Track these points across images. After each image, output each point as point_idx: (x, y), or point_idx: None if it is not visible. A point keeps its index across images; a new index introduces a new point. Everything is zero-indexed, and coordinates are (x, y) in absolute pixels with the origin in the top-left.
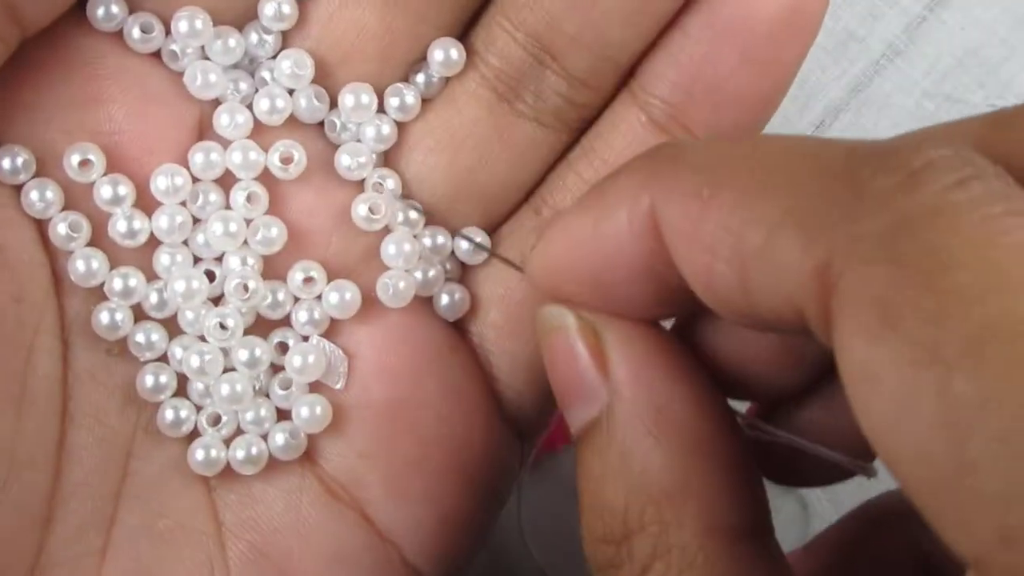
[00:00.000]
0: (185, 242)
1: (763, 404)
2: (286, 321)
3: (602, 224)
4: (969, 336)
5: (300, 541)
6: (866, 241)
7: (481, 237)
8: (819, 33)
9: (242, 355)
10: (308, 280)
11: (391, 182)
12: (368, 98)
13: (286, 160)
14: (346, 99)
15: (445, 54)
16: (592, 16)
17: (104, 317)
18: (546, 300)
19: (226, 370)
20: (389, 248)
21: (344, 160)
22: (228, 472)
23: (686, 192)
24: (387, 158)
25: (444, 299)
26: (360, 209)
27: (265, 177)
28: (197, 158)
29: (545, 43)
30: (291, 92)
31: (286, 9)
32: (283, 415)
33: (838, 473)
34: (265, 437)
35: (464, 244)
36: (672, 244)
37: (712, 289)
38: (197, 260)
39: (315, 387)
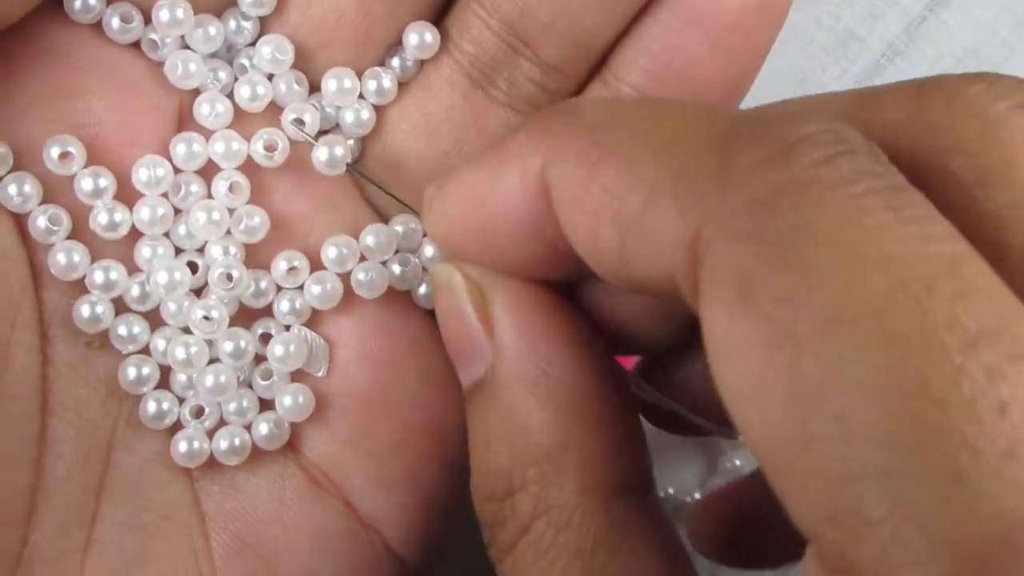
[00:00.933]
0: (166, 234)
1: (647, 359)
2: (268, 310)
3: (496, 182)
4: (819, 316)
5: (284, 530)
6: (734, 214)
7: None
8: (819, 33)
9: (227, 346)
10: (292, 270)
11: (308, 117)
12: (351, 82)
13: (270, 148)
14: (329, 83)
15: (420, 38)
16: (566, 4)
17: (85, 310)
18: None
19: (209, 361)
20: (367, 239)
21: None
22: (211, 463)
23: (576, 155)
24: (363, 141)
25: (422, 288)
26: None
27: (246, 166)
28: (179, 149)
29: (519, 30)
30: (270, 78)
31: None
32: (265, 405)
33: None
34: (248, 427)
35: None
36: (559, 207)
37: (596, 254)
38: (179, 251)
39: (297, 376)
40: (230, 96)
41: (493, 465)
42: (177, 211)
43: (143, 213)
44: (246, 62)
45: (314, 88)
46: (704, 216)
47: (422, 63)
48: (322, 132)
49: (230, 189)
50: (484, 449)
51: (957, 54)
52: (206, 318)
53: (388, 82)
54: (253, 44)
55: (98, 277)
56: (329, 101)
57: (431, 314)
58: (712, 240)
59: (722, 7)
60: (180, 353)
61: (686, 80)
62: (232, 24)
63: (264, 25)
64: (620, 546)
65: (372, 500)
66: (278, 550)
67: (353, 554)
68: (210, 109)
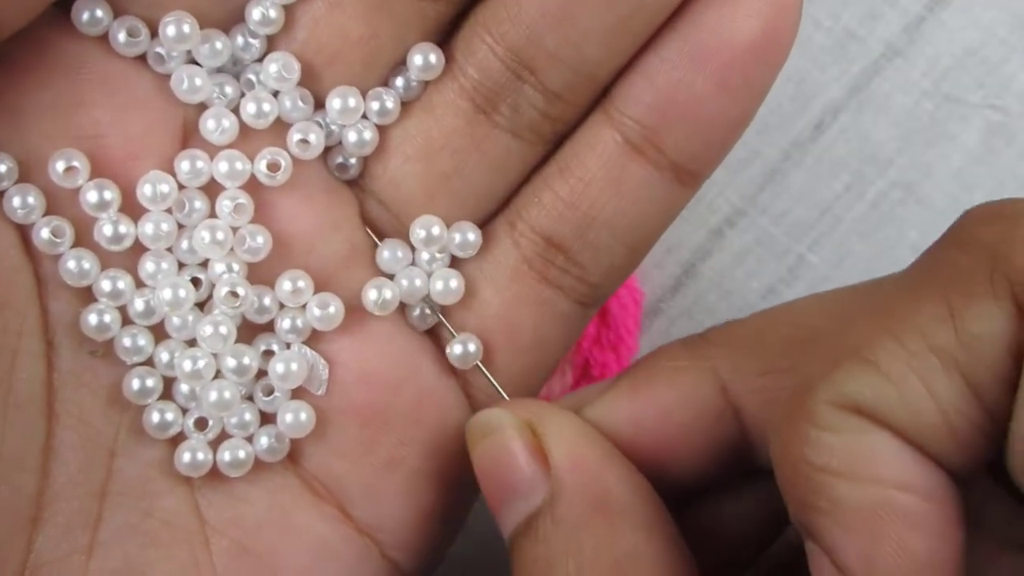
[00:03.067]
0: (169, 248)
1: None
2: (268, 325)
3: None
4: None
5: (283, 537)
6: None
7: (474, 232)
8: (818, 33)
9: (231, 363)
10: (296, 291)
11: (313, 136)
12: (355, 101)
13: (273, 167)
14: (333, 102)
15: (424, 59)
16: (572, 34)
17: (92, 319)
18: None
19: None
20: (383, 254)
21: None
22: (212, 472)
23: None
24: (365, 161)
25: (415, 312)
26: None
27: (249, 183)
28: (183, 165)
29: (525, 58)
30: (275, 94)
31: (273, 13)
32: (267, 418)
33: None
34: (249, 439)
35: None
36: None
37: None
38: (181, 266)
39: (297, 393)
40: (235, 111)
41: None
42: (180, 226)
43: (147, 228)
44: (252, 77)
45: (319, 105)
46: None
47: (425, 84)
48: (327, 149)
49: (234, 209)
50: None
51: (956, 54)
52: (216, 333)
53: (391, 103)
54: (260, 60)
55: (106, 286)
56: (333, 119)
57: (426, 334)
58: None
59: (728, 45)
60: (188, 365)
61: (690, 116)
62: (239, 40)
63: (271, 42)
64: None
65: (369, 511)
66: (277, 557)
67: (350, 561)
68: (216, 124)
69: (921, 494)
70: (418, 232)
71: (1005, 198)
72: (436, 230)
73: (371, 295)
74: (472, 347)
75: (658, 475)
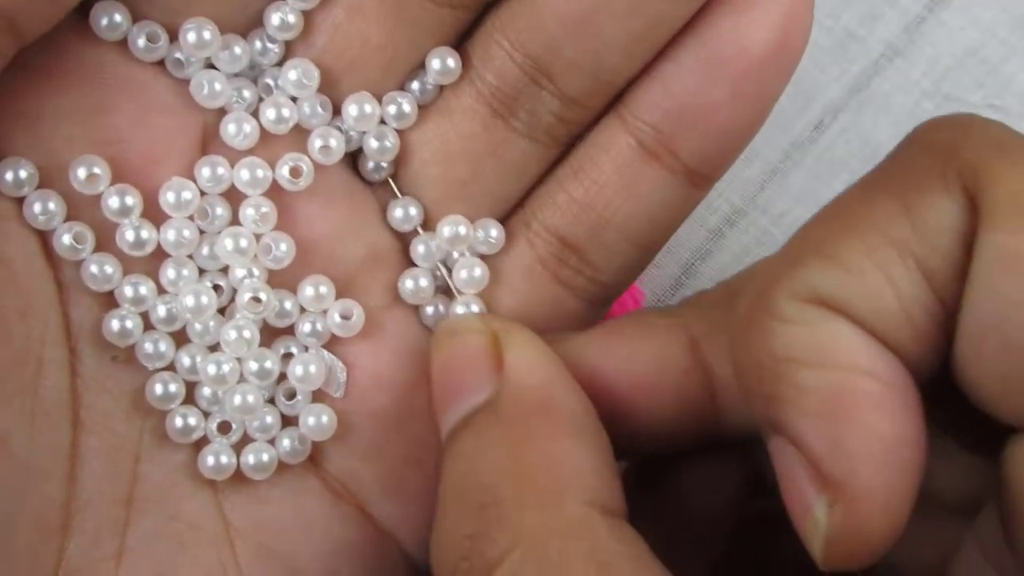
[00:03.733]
0: (190, 255)
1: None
2: (289, 329)
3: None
4: None
5: (305, 538)
6: None
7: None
8: (818, 33)
9: (253, 366)
10: (318, 296)
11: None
12: (371, 107)
13: (295, 173)
14: (350, 108)
15: (442, 63)
16: (593, 43)
17: (115, 325)
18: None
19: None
20: (418, 248)
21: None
22: (235, 475)
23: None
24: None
25: (429, 310)
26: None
27: (269, 187)
28: (204, 172)
29: (543, 65)
30: (294, 100)
31: (291, 19)
32: (287, 421)
33: None
34: (271, 442)
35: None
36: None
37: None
38: (201, 272)
39: (316, 395)
40: (254, 115)
41: (479, 482)
42: (201, 232)
43: (169, 235)
44: (270, 82)
45: (336, 111)
46: None
47: (441, 88)
48: (356, 153)
49: (259, 217)
50: (469, 468)
51: (956, 54)
52: (240, 338)
53: (408, 107)
54: (279, 64)
55: (128, 291)
56: (349, 126)
57: None
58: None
59: (743, 53)
60: (212, 370)
61: (704, 122)
62: (258, 45)
63: (290, 48)
64: (628, 554)
65: (388, 510)
66: (299, 557)
67: (371, 560)
68: (237, 129)
69: (883, 379)
70: (445, 231)
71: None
72: (463, 229)
73: (407, 285)
74: (475, 308)
75: (614, 421)
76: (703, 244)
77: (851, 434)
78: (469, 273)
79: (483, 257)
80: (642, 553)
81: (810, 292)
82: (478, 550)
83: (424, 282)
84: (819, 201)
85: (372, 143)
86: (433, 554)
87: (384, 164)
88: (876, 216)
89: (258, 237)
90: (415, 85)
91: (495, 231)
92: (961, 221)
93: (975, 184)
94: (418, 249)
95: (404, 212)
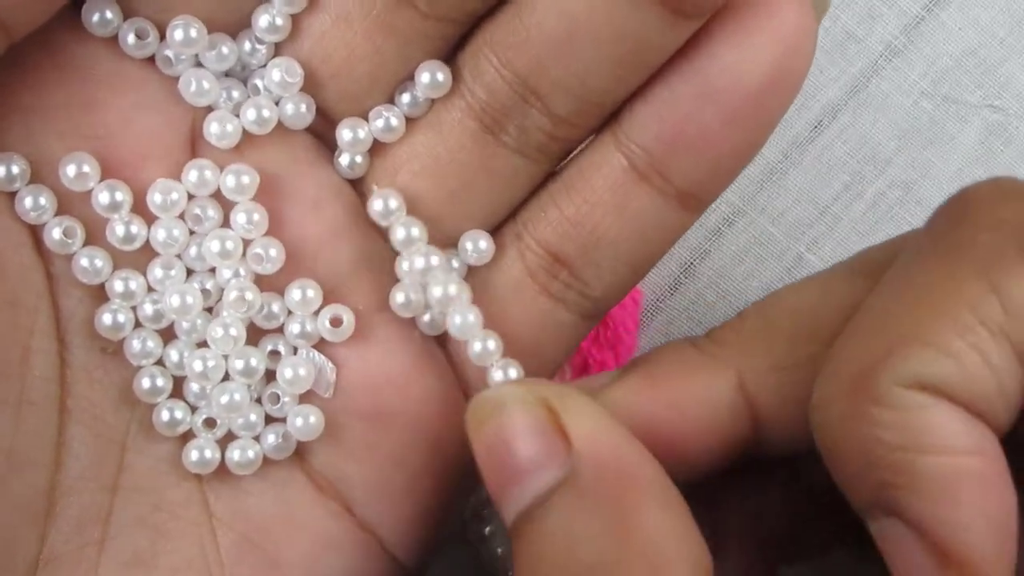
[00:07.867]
0: (179, 255)
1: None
2: (278, 330)
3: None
4: None
5: (288, 531)
6: None
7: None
8: (818, 33)
9: (238, 364)
10: (305, 300)
11: (416, 230)
12: (364, 133)
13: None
14: (343, 133)
15: (432, 77)
16: (576, 66)
17: (107, 319)
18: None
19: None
20: (403, 265)
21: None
22: (220, 468)
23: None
24: (373, 178)
25: (426, 318)
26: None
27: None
28: (191, 175)
29: (530, 84)
30: (279, 103)
31: (279, 21)
32: (273, 418)
33: None
34: (257, 438)
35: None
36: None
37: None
38: (190, 272)
39: (304, 395)
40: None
41: (581, 561)
42: (191, 231)
43: (159, 234)
44: (259, 83)
45: (323, 113)
46: None
47: (432, 101)
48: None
49: (248, 223)
50: (571, 559)
51: (955, 54)
52: (226, 335)
53: (395, 121)
54: (266, 66)
55: (118, 286)
56: (344, 148)
57: (432, 338)
58: None
59: (740, 81)
60: (198, 366)
61: (698, 148)
62: (246, 45)
63: (278, 50)
64: None
65: (372, 508)
66: (281, 549)
67: (352, 556)
68: (220, 128)
69: (988, 456)
70: (467, 246)
71: (999, 177)
72: (483, 244)
73: (398, 298)
74: (514, 373)
75: (665, 467)
76: (702, 243)
77: (970, 514)
78: (444, 291)
79: (472, 268)
80: None
81: (913, 378)
82: None
83: (414, 295)
84: (817, 201)
85: (345, 135)
86: None
87: (359, 159)
88: (965, 298)
89: (247, 241)
90: (405, 98)
91: (484, 243)
92: None
93: None
94: (402, 266)
95: (384, 204)
